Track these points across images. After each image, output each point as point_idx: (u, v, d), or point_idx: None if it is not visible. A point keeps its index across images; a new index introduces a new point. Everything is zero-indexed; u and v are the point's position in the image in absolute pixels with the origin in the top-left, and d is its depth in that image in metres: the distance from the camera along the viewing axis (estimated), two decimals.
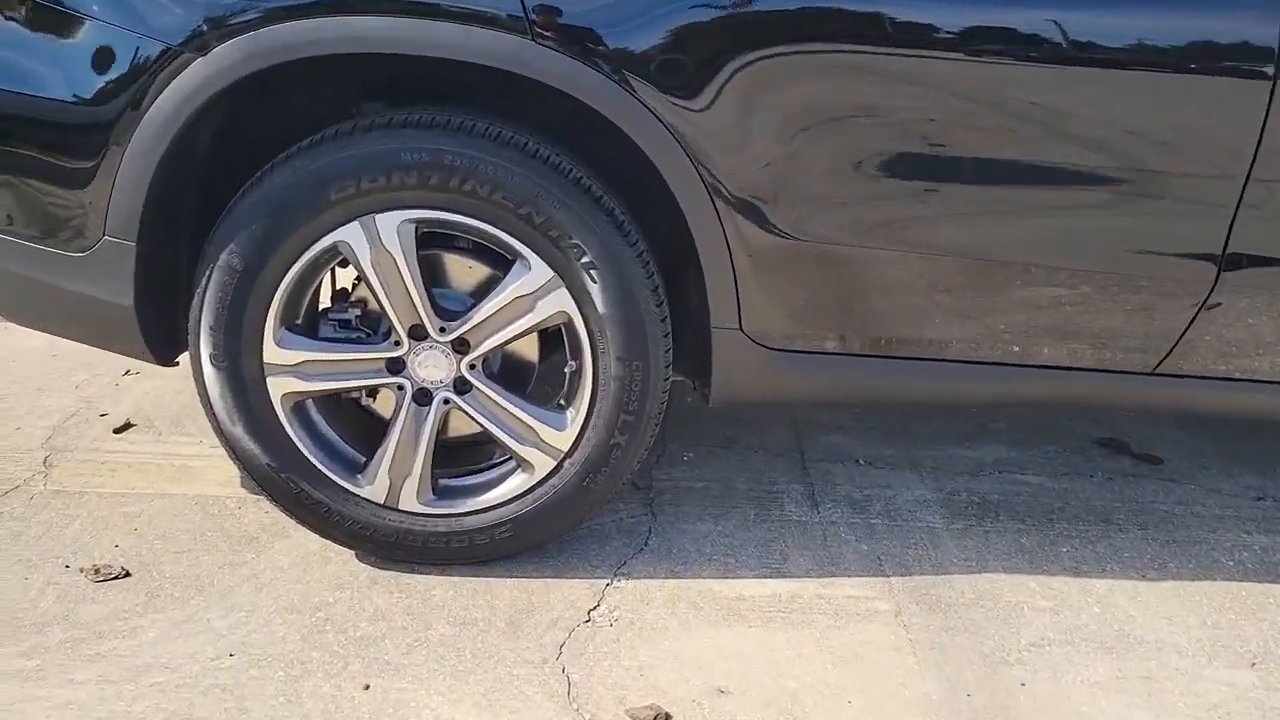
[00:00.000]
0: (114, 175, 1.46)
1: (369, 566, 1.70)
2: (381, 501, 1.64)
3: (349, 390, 1.63)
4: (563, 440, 1.61)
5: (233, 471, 1.90)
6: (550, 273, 1.52)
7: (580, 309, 1.54)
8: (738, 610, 1.65)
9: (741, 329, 1.59)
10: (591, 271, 1.51)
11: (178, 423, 2.18)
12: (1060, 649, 1.59)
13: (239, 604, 1.59)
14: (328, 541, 1.70)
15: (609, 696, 1.44)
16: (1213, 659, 1.59)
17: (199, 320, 1.54)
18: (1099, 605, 1.71)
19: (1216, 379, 1.66)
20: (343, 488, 1.64)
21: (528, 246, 1.50)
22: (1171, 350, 1.62)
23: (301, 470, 1.62)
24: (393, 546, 1.67)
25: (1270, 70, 1.41)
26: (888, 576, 1.76)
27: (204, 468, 1.99)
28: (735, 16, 1.40)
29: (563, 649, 1.53)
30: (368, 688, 1.43)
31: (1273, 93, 1.42)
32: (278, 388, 1.58)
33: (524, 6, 1.38)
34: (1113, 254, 1.55)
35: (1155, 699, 1.50)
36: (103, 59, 1.43)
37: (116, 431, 2.12)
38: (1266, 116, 1.43)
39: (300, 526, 1.69)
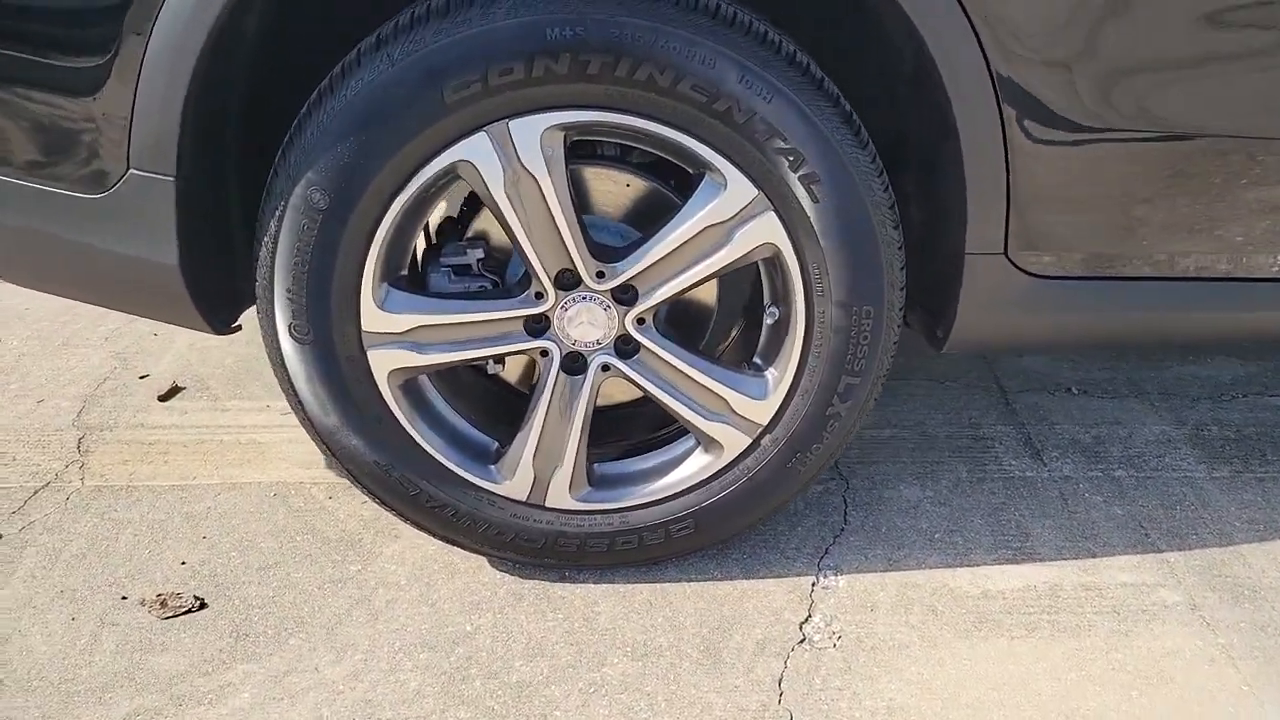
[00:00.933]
0: (135, 77, 1.02)
1: (506, 575, 1.33)
2: (524, 499, 1.26)
3: (476, 360, 1.21)
4: (762, 412, 1.21)
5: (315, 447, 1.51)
6: (754, 190, 1.08)
7: (793, 239, 1.11)
8: (989, 614, 1.28)
9: (1006, 253, 1.16)
10: (812, 187, 1.07)
11: (236, 382, 1.79)
12: None
13: (352, 641, 1.23)
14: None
15: None
16: None
17: (270, 281, 1.12)
18: None
19: None
20: (473, 484, 1.25)
21: (724, 155, 1.07)
22: None
23: (419, 466, 1.23)
24: (541, 553, 1.29)
25: None
26: (1162, 552, 1.38)
27: (277, 442, 1.61)
28: None
29: (783, 685, 1.17)
30: None
31: None
32: (383, 363, 1.17)
33: None
34: None
35: None
36: None
37: (162, 399, 1.73)
38: None
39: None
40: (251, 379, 1.78)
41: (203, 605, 1.28)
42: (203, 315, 1.19)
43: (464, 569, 1.34)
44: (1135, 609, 1.29)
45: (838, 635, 1.24)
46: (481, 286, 1.20)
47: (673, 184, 1.19)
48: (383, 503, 1.26)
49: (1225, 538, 1.41)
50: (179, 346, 1.90)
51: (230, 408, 1.71)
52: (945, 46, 1.02)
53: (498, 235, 1.21)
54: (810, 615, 1.28)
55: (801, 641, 1.23)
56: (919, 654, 1.22)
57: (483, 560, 1.35)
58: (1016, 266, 1.17)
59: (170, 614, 1.26)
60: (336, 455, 1.22)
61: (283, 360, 1.17)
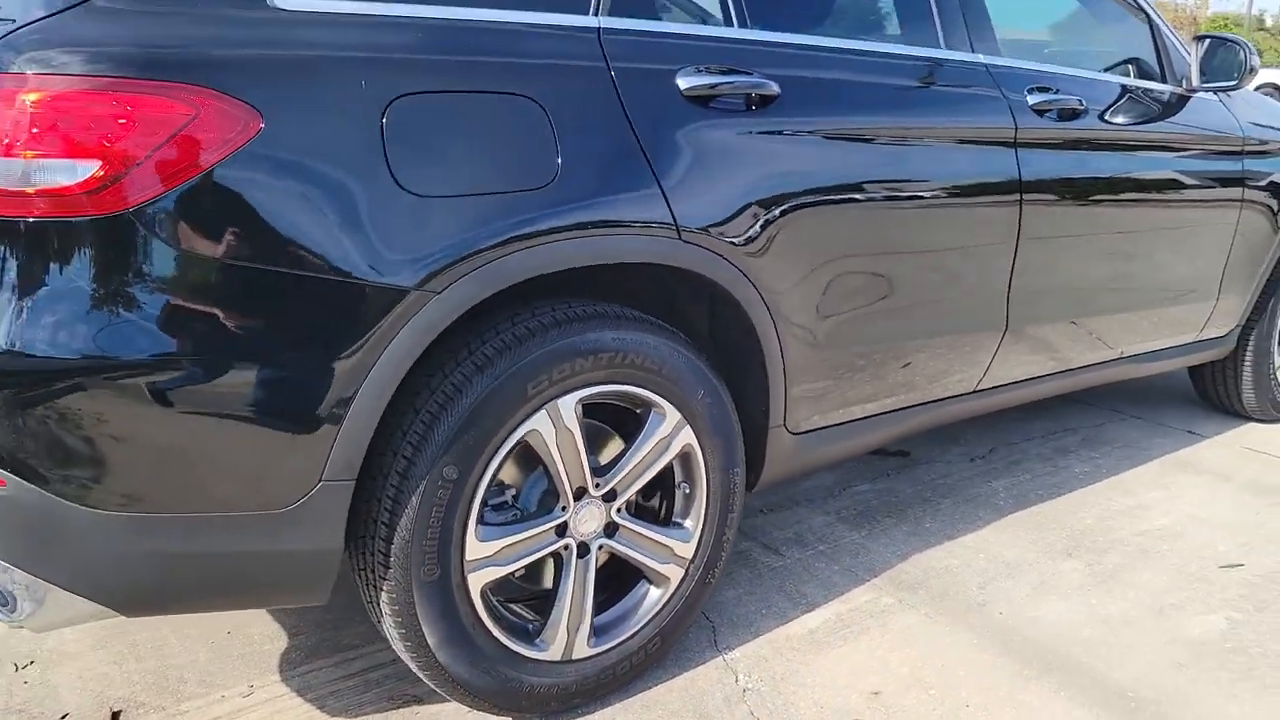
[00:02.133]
0: (341, 421, 1.46)
1: None
2: (559, 659, 1.79)
3: (530, 563, 1.75)
4: (688, 550, 1.93)
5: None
6: (679, 415, 1.84)
7: (698, 438, 1.88)
8: (817, 639, 2.11)
9: (785, 426, 2.06)
10: (704, 406, 1.87)
11: (166, 685, 1.92)
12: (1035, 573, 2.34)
13: None
14: None
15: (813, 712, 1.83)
16: (1049, 557, 2.47)
17: (408, 541, 1.57)
18: (982, 553, 2.50)
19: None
20: (530, 659, 1.75)
21: (661, 397, 1.81)
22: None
23: (499, 657, 1.71)
24: (574, 695, 1.82)
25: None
26: (867, 581, 2.35)
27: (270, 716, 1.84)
28: (780, 217, 1.88)
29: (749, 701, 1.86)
30: None
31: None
32: (478, 581, 1.66)
33: (675, 223, 1.72)
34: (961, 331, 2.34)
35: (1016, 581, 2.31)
36: (341, 307, 1.43)
37: None
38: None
39: None
40: (180, 676, 1.94)
41: None
42: (328, 586, 1.57)
43: None
44: (868, 614, 2.22)
45: (759, 679, 1.97)
46: (515, 514, 1.76)
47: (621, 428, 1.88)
48: (474, 698, 1.70)
49: (878, 567, 2.43)
50: (68, 672, 1.95)
51: (187, 710, 1.87)
52: (757, 315, 1.90)
53: (513, 479, 1.78)
54: (737, 677, 1.98)
55: (737, 682, 1.93)
56: (807, 668, 1.99)
57: None
58: (790, 431, 2.08)
59: None
60: (438, 670, 1.65)
61: (413, 606, 1.59)
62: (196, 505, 1.44)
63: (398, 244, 1.46)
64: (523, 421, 1.65)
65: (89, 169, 1.31)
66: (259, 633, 2.10)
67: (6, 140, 1.30)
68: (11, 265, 1.34)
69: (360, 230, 1.44)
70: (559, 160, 1.60)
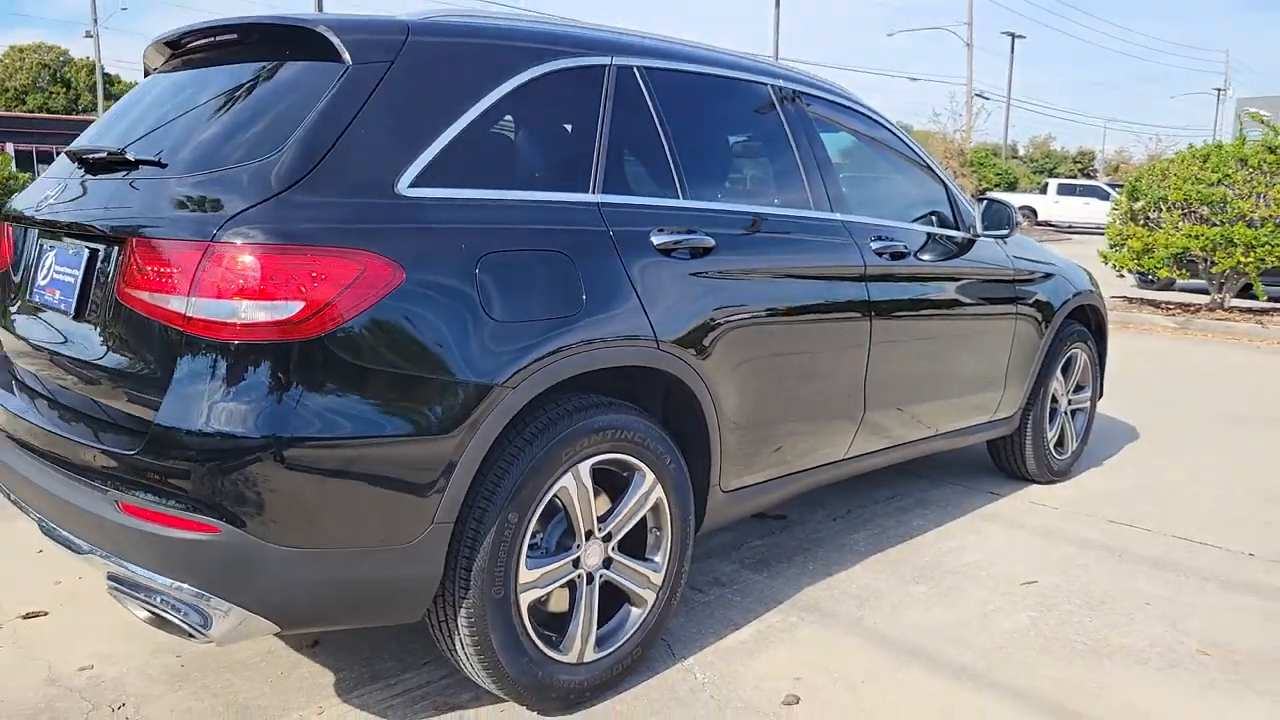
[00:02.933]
0: (449, 478, 2.07)
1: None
2: (575, 662, 2.40)
3: (559, 587, 2.37)
4: (659, 578, 2.59)
5: None
6: (653, 476, 2.53)
7: (666, 493, 2.57)
8: (747, 647, 2.80)
9: (720, 486, 2.79)
10: (670, 468, 2.57)
11: (247, 712, 2.38)
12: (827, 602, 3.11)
13: None
14: None
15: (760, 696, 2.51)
16: (902, 584, 3.28)
17: (483, 568, 2.17)
18: (855, 584, 3.27)
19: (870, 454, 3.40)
20: (557, 661, 2.36)
21: (643, 463, 2.50)
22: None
23: (538, 660, 2.31)
24: (585, 690, 2.42)
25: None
26: (782, 603, 3.07)
27: None
28: (716, 330, 2.63)
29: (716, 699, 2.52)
30: None
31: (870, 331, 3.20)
32: (525, 601, 2.27)
33: (655, 337, 2.45)
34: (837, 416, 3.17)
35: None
36: (453, 398, 2.05)
37: None
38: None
39: None
40: (256, 705, 2.41)
41: None
42: (425, 606, 2.14)
43: None
44: (780, 629, 2.93)
45: (709, 676, 2.63)
46: (544, 550, 2.38)
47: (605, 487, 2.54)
48: (520, 692, 2.28)
49: (781, 598, 3.17)
50: (162, 713, 2.37)
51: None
52: (705, 404, 2.63)
53: (539, 525, 2.40)
54: (694, 674, 2.63)
55: (696, 678, 2.59)
56: (751, 658, 2.67)
57: None
58: (722, 490, 2.80)
59: None
60: (498, 670, 2.23)
61: (484, 615, 2.18)
62: (349, 542, 2.01)
63: (488, 355, 2.12)
64: (557, 480, 2.29)
65: (295, 307, 1.91)
66: (308, 670, 2.59)
67: (245, 287, 1.88)
68: (226, 371, 1.91)
69: (466, 346, 2.09)
70: (583, 296, 2.31)
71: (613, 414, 2.40)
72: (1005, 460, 4.43)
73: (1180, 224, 9.90)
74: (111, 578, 2.06)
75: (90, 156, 2.35)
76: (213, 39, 2.49)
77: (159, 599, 1.98)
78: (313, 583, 2.00)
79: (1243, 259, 9.43)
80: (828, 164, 3.21)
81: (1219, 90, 58.16)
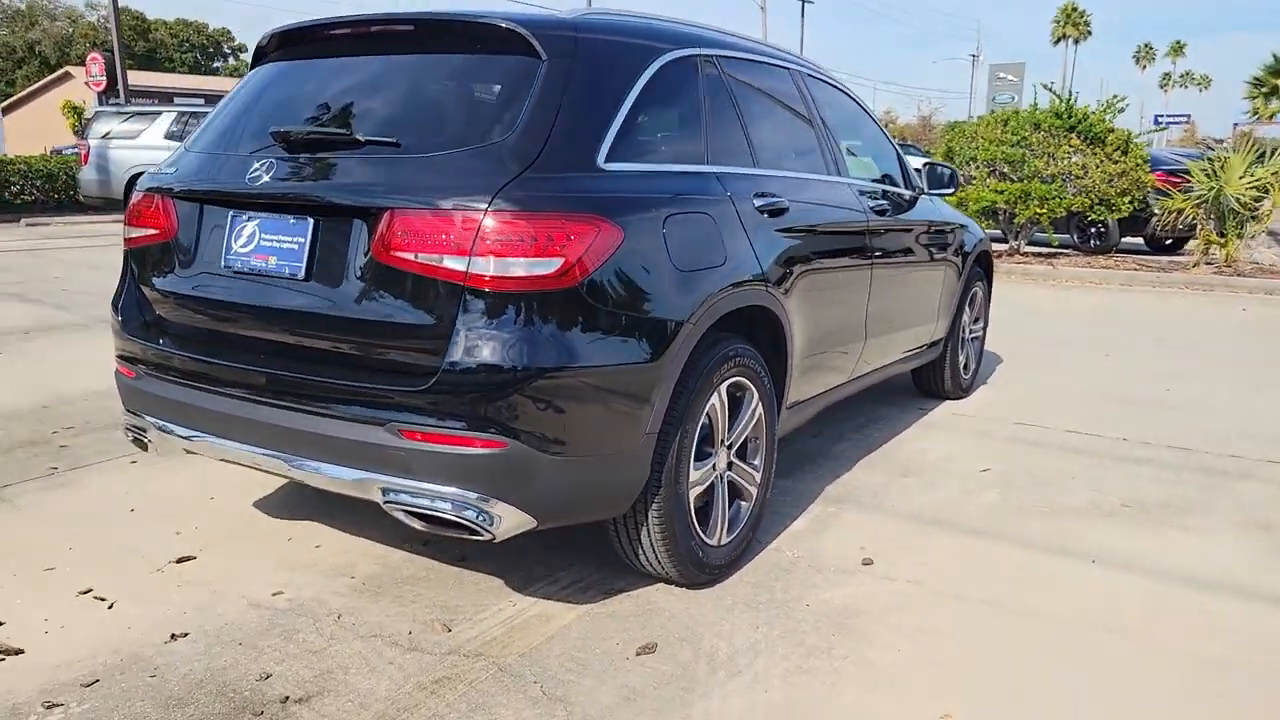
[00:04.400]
0: (657, 397, 2.60)
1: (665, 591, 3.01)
2: (716, 544, 3.00)
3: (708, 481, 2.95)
4: (760, 478, 3.23)
5: None
6: (758, 395, 3.15)
7: (764, 410, 3.20)
8: (814, 530, 3.49)
9: (785, 402, 3.44)
10: (767, 390, 3.19)
11: (451, 609, 2.82)
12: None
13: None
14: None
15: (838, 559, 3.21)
16: (895, 479, 4.07)
17: (672, 468, 2.72)
18: (862, 480, 4.03)
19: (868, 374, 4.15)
20: (707, 543, 2.95)
21: (753, 385, 3.11)
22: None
23: (698, 543, 2.89)
24: (720, 566, 3.03)
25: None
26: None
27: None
28: (793, 273, 3.27)
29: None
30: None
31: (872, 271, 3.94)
32: (691, 494, 2.84)
33: (766, 281, 3.04)
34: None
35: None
36: (659, 332, 2.58)
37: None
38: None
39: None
40: (453, 605, 2.87)
41: None
42: (631, 502, 2.69)
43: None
44: (828, 517, 3.65)
45: (799, 555, 3.30)
46: (699, 455, 2.94)
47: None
48: (689, 567, 2.86)
49: (814, 495, 3.88)
50: (379, 614, 2.77)
51: (485, 617, 2.79)
52: (787, 330, 3.26)
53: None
54: (784, 552, 3.29)
55: (788, 556, 3.25)
56: (814, 536, 3.36)
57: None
58: (785, 406, 3.45)
59: None
60: (677, 552, 2.79)
61: (671, 507, 2.73)
62: (595, 450, 2.52)
63: (678, 298, 2.66)
64: (709, 399, 2.87)
65: (556, 263, 2.38)
66: (475, 579, 3.04)
67: (518, 247, 2.33)
68: (503, 316, 2.36)
69: (665, 291, 2.62)
70: (725, 249, 2.88)
71: (737, 344, 2.99)
72: (927, 381, 5.34)
73: (988, 180, 11.39)
74: (388, 492, 2.45)
75: (305, 136, 2.65)
76: (383, 30, 2.82)
77: (446, 505, 2.40)
78: (568, 484, 2.50)
79: (1038, 210, 11.01)
80: (835, 135, 3.90)
81: (973, 56, 63.99)
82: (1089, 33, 70.36)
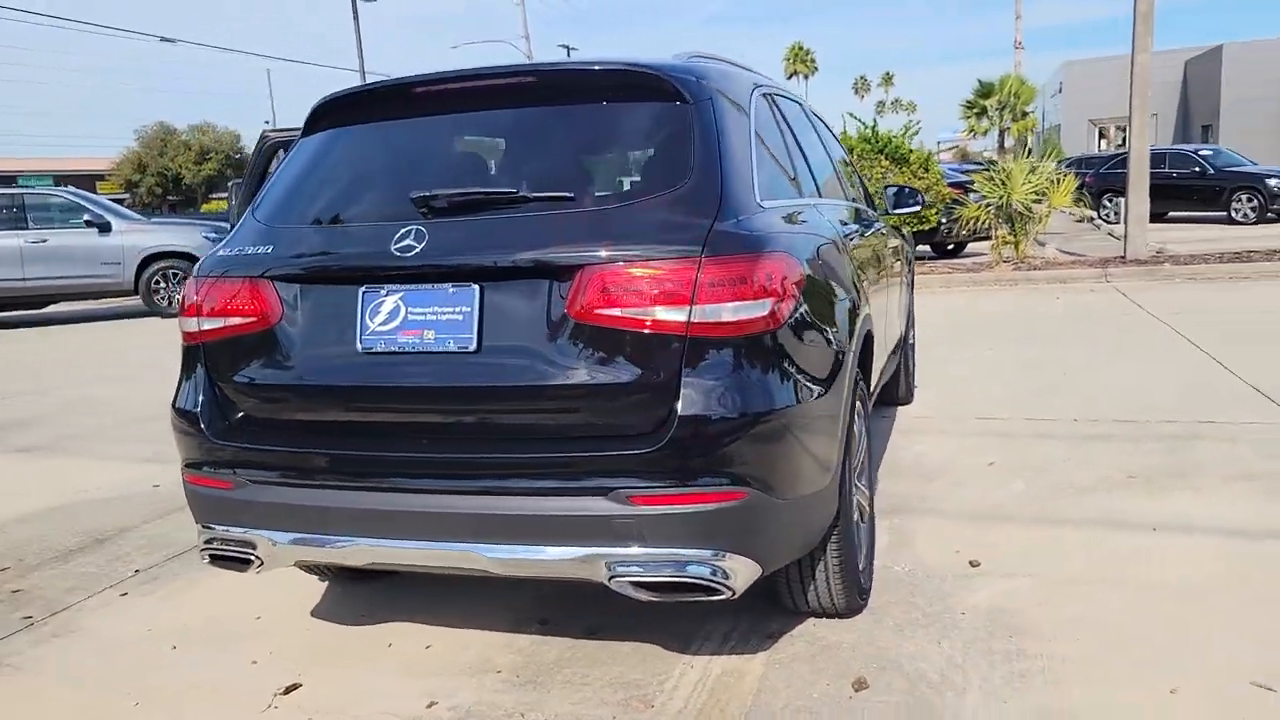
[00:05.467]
0: (840, 427, 2.59)
1: None
2: (862, 566, 3.01)
3: None
4: (870, 498, 3.27)
5: None
6: (864, 413, 3.20)
7: (866, 427, 3.25)
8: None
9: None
10: (869, 406, 3.25)
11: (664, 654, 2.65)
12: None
13: None
14: None
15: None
16: (923, 485, 4.24)
17: (847, 500, 2.71)
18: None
19: None
20: (860, 569, 2.95)
21: (861, 404, 3.16)
22: None
23: (862, 570, 2.89)
24: (868, 592, 3.04)
25: None
26: None
27: None
28: (871, 293, 3.37)
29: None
30: None
31: None
32: (856, 521, 2.84)
33: (865, 302, 3.10)
34: None
35: None
36: (838, 362, 2.56)
37: None
38: None
39: None
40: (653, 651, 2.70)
41: None
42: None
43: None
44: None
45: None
46: None
47: None
48: (859, 594, 2.84)
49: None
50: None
51: (701, 653, 2.64)
52: (876, 343, 3.34)
53: None
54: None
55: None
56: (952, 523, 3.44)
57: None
58: None
59: None
60: (851, 579, 2.78)
61: (848, 539, 2.71)
62: (808, 489, 2.46)
63: (842, 328, 2.68)
64: (856, 422, 2.89)
65: (768, 304, 2.32)
66: (626, 648, 2.88)
67: (737, 293, 2.26)
68: (728, 362, 2.28)
69: (835, 322, 2.64)
70: (850, 277, 2.93)
71: (857, 369, 3.03)
72: (886, 388, 5.58)
73: None
74: (616, 565, 2.28)
75: (461, 199, 2.43)
76: (495, 84, 2.65)
77: (684, 569, 2.27)
78: (790, 527, 2.43)
79: None
80: (834, 160, 4.06)
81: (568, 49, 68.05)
82: (816, 69, 77.44)
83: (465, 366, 2.37)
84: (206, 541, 2.68)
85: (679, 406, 2.24)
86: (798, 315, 2.43)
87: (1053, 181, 12.24)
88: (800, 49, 76.61)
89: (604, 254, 2.28)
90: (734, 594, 2.32)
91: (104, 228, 13.52)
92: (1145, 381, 5.96)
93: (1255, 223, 18.21)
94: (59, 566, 3.86)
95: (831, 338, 2.61)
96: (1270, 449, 4.39)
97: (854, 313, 2.87)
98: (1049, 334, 8.03)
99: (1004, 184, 12.04)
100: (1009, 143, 32.01)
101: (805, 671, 2.67)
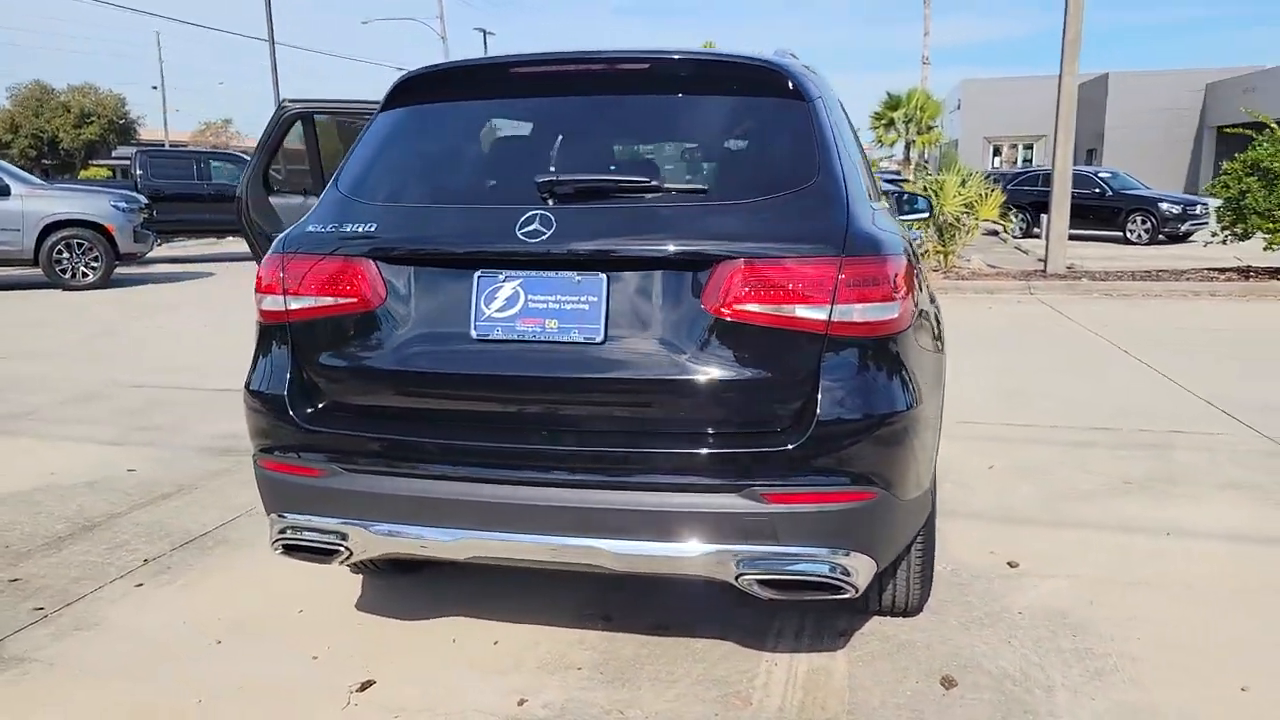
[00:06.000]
0: (940, 424, 2.63)
1: None
2: None
3: None
4: None
5: None
6: None
7: None
8: None
9: None
10: None
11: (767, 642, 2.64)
12: None
13: None
14: None
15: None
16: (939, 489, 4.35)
17: (933, 500, 2.76)
18: None
19: None
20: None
21: None
22: None
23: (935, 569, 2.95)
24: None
25: None
26: None
27: None
28: None
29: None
30: None
31: None
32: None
33: None
34: None
35: None
36: (940, 360, 2.60)
37: None
38: None
39: None
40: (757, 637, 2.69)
41: None
42: None
43: None
44: None
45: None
46: None
47: None
48: (922, 600, 2.90)
49: None
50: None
51: (781, 645, 2.64)
52: None
53: None
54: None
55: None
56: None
57: None
58: None
59: None
60: (927, 578, 2.83)
61: (930, 538, 2.76)
62: (921, 489, 2.50)
63: (938, 324, 2.72)
64: None
65: (899, 304, 2.35)
66: (703, 645, 2.87)
67: (873, 293, 2.27)
68: (862, 362, 2.29)
69: (933, 319, 2.68)
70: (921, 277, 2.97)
71: None
72: None
73: None
74: (745, 563, 2.26)
75: (592, 185, 2.37)
76: (608, 69, 2.58)
77: (812, 567, 2.27)
78: (903, 527, 2.46)
79: None
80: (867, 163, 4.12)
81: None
82: None
83: (590, 358, 2.32)
84: (281, 531, 2.54)
85: (819, 405, 2.24)
86: (916, 317, 2.46)
87: (980, 195, 12.69)
88: (710, 47, 77.06)
89: (745, 249, 2.26)
90: (856, 592, 2.33)
91: (2, 191, 12.63)
92: (1104, 390, 6.26)
93: (1148, 243, 19.28)
94: (54, 554, 3.60)
95: (936, 338, 2.66)
96: (1244, 460, 4.66)
97: (939, 315, 2.92)
98: (997, 343, 8.33)
99: (936, 195, 12.43)
100: (914, 155, 33.01)
101: (890, 669, 2.71)
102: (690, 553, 2.28)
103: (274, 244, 2.60)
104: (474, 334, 2.37)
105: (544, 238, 2.31)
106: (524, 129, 2.67)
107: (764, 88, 2.54)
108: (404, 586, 3.28)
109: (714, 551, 2.27)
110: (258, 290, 2.59)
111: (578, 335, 2.32)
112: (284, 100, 4.04)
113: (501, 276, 2.37)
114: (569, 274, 2.34)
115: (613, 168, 2.50)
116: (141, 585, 3.33)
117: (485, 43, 44.78)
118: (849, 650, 2.82)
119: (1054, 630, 2.93)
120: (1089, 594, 3.18)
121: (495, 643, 2.89)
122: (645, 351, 2.30)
